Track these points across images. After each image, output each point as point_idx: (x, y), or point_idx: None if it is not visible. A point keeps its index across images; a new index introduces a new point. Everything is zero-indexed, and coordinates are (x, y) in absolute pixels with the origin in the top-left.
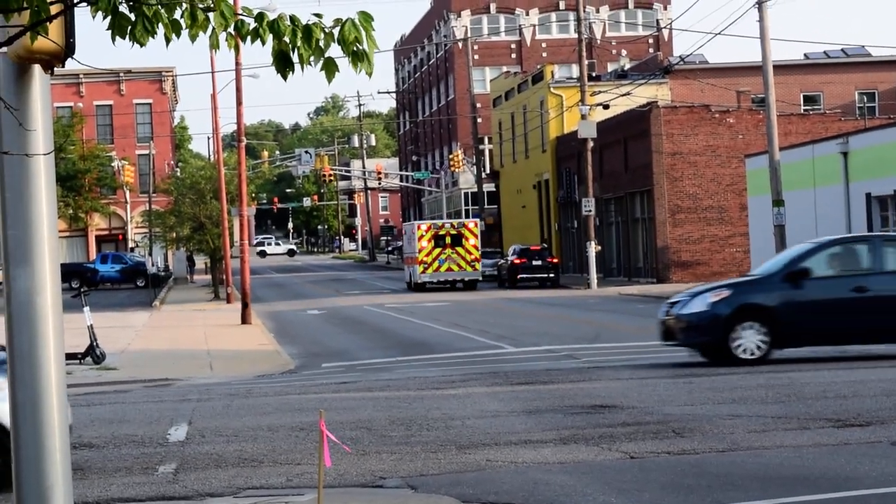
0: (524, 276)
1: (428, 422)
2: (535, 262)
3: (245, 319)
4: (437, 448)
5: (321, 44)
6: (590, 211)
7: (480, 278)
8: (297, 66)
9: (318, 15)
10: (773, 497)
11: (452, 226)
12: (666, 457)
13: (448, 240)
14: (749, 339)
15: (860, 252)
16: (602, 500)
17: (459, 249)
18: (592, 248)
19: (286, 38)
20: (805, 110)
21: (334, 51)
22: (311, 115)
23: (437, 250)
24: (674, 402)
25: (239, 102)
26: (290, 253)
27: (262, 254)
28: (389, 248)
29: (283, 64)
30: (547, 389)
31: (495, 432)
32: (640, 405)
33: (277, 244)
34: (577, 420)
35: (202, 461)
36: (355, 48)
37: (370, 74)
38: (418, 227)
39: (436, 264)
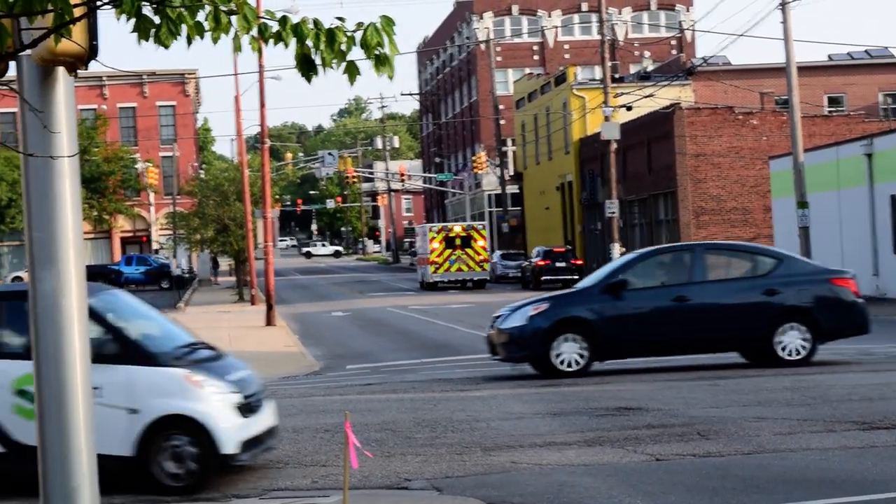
0: (548, 277)
1: (453, 424)
2: (558, 264)
3: (269, 321)
4: (462, 450)
5: (343, 47)
6: (613, 213)
7: (488, 278)
8: (320, 69)
9: (340, 18)
10: (799, 500)
11: (462, 228)
12: (691, 459)
13: (458, 241)
14: (569, 352)
15: (681, 261)
16: (627, 502)
17: (469, 251)
18: (616, 250)
19: (309, 42)
20: (829, 112)
21: (356, 53)
22: (334, 117)
23: (448, 251)
24: (699, 405)
25: (262, 104)
26: (336, 254)
27: (308, 255)
28: (413, 250)
29: (306, 67)
30: (571, 391)
31: (520, 434)
32: (665, 407)
33: (323, 245)
34: (601, 422)
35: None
36: (377, 52)
37: (391, 78)
38: (430, 230)
39: (447, 265)
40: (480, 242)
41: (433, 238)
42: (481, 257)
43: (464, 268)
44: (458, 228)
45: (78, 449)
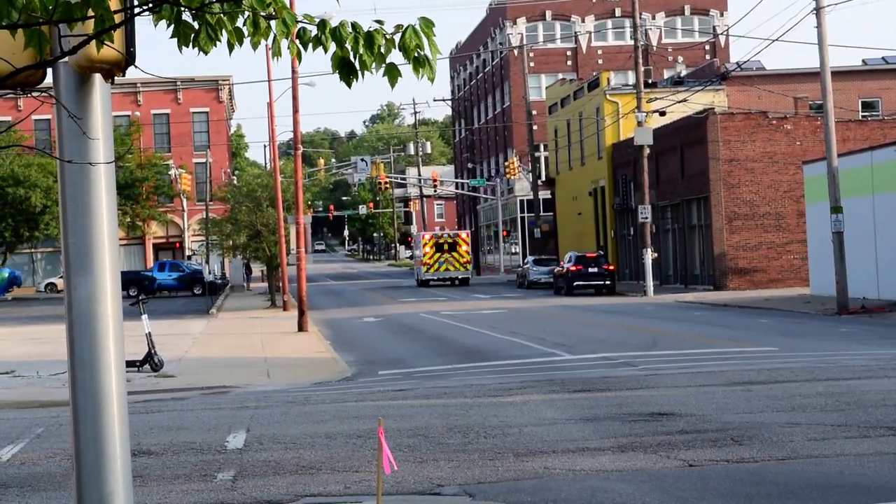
0: (580, 283)
1: (485, 429)
2: (591, 270)
3: (302, 327)
4: (495, 455)
5: (382, 50)
6: (646, 218)
7: (471, 276)
8: (359, 73)
9: (379, 21)
10: None
11: (449, 236)
12: (725, 465)
13: (446, 247)
14: None
15: None
16: None
17: (454, 254)
18: (649, 256)
19: (348, 46)
20: (863, 116)
21: (395, 57)
22: (366, 123)
23: (437, 254)
24: (732, 410)
25: (295, 110)
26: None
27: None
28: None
29: (346, 71)
30: (604, 397)
31: (553, 440)
32: (698, 413)
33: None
34: (635, 428)
35: (260, 468)
36: (417, 54)
37: (432, 80)
38: (423, 237)
39: (436, 265)
40: (464, 247)
41: (426, 244)
42: (465, 259)
43: (450, 268)
44: (446, 235)
45: (113, 455)
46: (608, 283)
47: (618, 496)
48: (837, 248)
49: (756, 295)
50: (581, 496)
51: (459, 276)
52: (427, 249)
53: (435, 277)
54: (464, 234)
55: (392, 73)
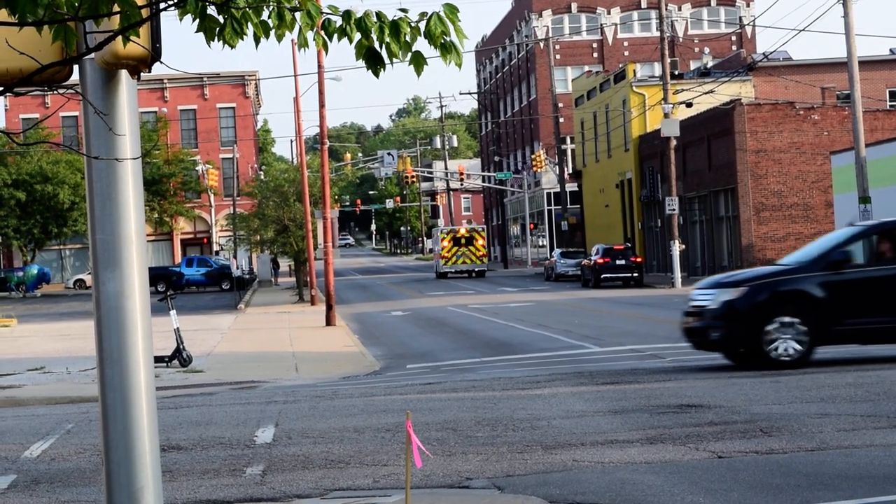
0: (608, 275)
1: (513, 422)
2: (618, 262)
3: (329, 321)
4: (524, 448)
5: (408, 38)
6: (673, 210)
7: (486, 269)
8: (386, 63)
9: (403, 10)
10: (864, 496)
11: (466, 230)
12: (754, 456)
13: (463, 241)
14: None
15: None
16: (690, 499)
17: (471, 248)
18: (676, 247)
19: (373, 35)
20: (891, 106)
21: (420, 44)
22: (392, 117)
23: (455, 248)
24: (761, 402)
25: (322, 105)
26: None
27: None
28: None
29: (373, 61)
30: (632, 389)
31: (581, 432)
32: (726, 404)
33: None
34: (663, 420)
35: (289, 463)
36: (443, 41)
37: (459, 65)
38: (441, 231)
39: (454, 258)
40: (480, 241)
41: (443, 238)
42: (481, 253)
43: (467, 261)
44: (462, 230)
45: (142, 451)
46: (636, 275)
47: (647, 488)
48: None
49: None
50: (610, 488)
51: (476, 269)
52: (445, 244)
53: (452, 270)
54: (479, 228)
55: (418, 62)
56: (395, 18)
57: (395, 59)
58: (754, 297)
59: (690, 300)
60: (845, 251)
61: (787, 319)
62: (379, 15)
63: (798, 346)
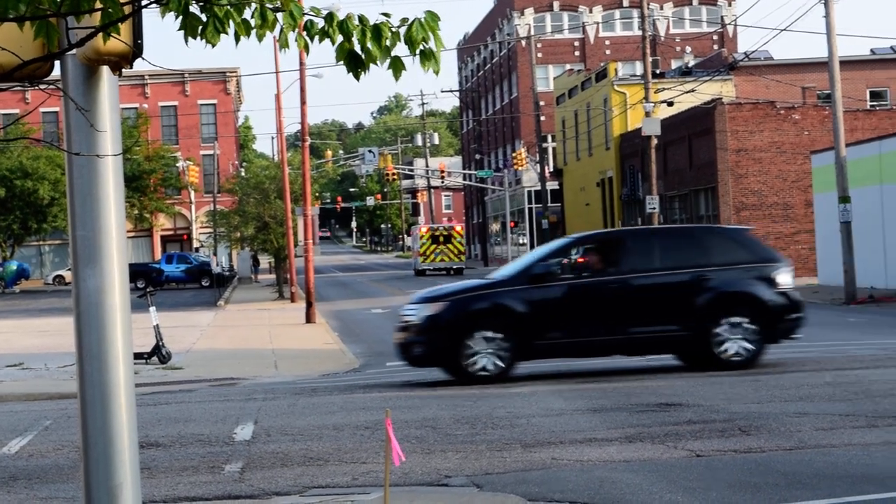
0: None
1: (493, 420)
2: None
3: (309, 318)
4: (503, 446)
5: (388, 43)
6: (654, 208)
7: (464, 267)
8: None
9: (386, 14)
10: (842, 496)
11: (444, 229)
12: (732, 455)
13: (441, 239)
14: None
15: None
16: (668, 498)
17: (449, 246)
18: None
19: (355, 38)
20: (871, 106)
21: (400, 49)
22: (374, 115)
23: (433, 246)
24: (740, 400)
25: (303, 102)
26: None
27: None
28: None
29: (354, 64)
30: (612, 387)
31: (560, 430)
32: (705, 403)
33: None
34: (642, 418)
35: (268, 460)
36: (422, 47)
37: (437, 73)
38: (419, 230)
39: (432, 256)
40: (458, 239)
41: (422, 236)
42: (458, 251)
43: (445, 259)
44: (441, 229)
45: (121, 447)
46: None
47: (625, 486)
48: (845, 238)
49: None
50: (589, 486)
51: (454, 267)
52: (424, 241)
53: (431, 267)
54: (458, 227)
55: (396, 67)
56: (377, 22)
57: (374, 64)
58: (455, 311)
59: (400, 315)
60: (547, 264)
61: (488, 334)
62: (361, 18)
63: (499, 362)
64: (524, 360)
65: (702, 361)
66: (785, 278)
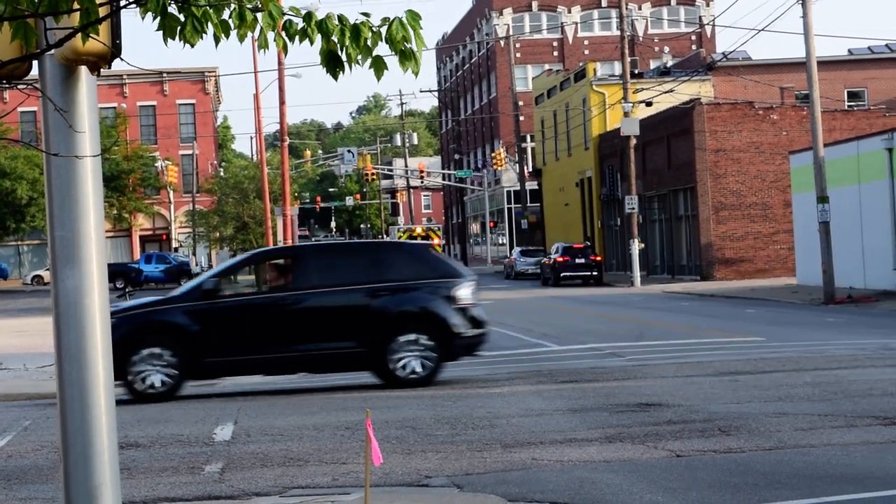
0: (567, 274)
1: (473, 420)
2: (578, 260)
3: None
4: (483, 447)
5: (369, 43)
6: (633, 208)
7: None
8: (346, 65)
9: (365, 14)
10: (821, 496)
11: (422, 229)
12: (712, 455)
13: (419, 239)
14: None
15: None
16: (648, 498)
17: None
18: (636, 246)
19: (334, 38)
20: (849, 106)
21: (381, 49)
22: (353, 115)
23: None
24: (719, 401)
25: (282, 102)
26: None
27: None
28: None
29: (332, 64)
30: (592, 388)
31: (541, 431)
32: (685, 403)
33: None
34: (622, 418)
35: (248, 460)
36: (403, 47)
37: (416, 73)
38: (398, 230)
39: None
40: (436, 240)
41: (400, 236)
42: None
43: None
44: (419, 229)
45: (101, 448)
46: (595, 273)
47: (605, 487)
48: (824, 238)
49: (743, 285)
50: (569, 487)
51: None
52: None
53: None
54: (436, 227)
55: (378, 66)
56: (357, 22)
57: (354, 64)
58: (124, 327)
59: None
60: (216, 280)
61: (156, 350)
62: (340, 18)
63: (167, 379)
64: (196, 378)
65: (384, 379)
66: (465, 294)
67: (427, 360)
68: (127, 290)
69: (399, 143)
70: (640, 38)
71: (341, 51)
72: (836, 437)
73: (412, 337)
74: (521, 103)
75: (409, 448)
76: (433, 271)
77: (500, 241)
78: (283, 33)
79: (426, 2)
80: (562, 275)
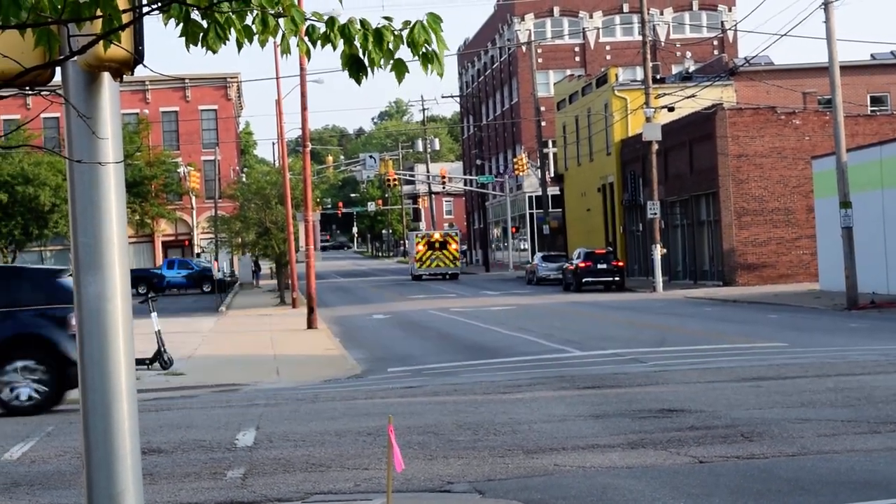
0: (589, 279)
1: (495, 426)
2: (600, 266)
3: (311, 324)
4: (505, 452)
5: (391, 46)
6: (655, 214)
7: (459, 272)
8: (369, 70)
9: (387, 18)
10: (845, 501)
11: (440, 235)
12: (735, 461)
13: (437, 245)
14: None
15: None
16: None
17: (445, 252)
18: (658, 251)
19: (357, 42)
20: (872, 111)
21: (403, 53)
22: (375, 120)
23: (429, 252)
24: (742, 406)
25: (304, 108)
26: None
27: None
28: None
29: (355, 68)
30: (614, 393)
31: (563, 437)
32: (708, 409)
33: None
34: (644, 424)
35: (270, 466)
36: (425, 50)
37: (441, 75)
38: (416, 236)
39: (428, 262)
40: (453, 245)
41: (418, 242)
42: (453, 256)
43: (440, 264)
44: (437, 235)
45: (123, 454)
46: (617, 279)
47: (628, 493)
48: (847, 244)
49: (765, 290)
50: (591, 493)
51: (449, 272)
52: (419, 248)
53: (427, 272)
54: (453, 233)
55: (400, 69)
56: (379, 26)
57: (377, 67)
58: None
59: None
60: None
61: None
62: (363, 22)
63: None
64: None
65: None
66: None
67: (42, 387)
68: (149, 295)
69: (421, 148)
70: (662, 43)
71: (364, 55)
72: (860, 444)
73: (26, 364)
74: (542, 108)
75: (431, 454)
76: (51, 297)
77: (522, 247)
78: (306, 38)
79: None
80: (584, 280)
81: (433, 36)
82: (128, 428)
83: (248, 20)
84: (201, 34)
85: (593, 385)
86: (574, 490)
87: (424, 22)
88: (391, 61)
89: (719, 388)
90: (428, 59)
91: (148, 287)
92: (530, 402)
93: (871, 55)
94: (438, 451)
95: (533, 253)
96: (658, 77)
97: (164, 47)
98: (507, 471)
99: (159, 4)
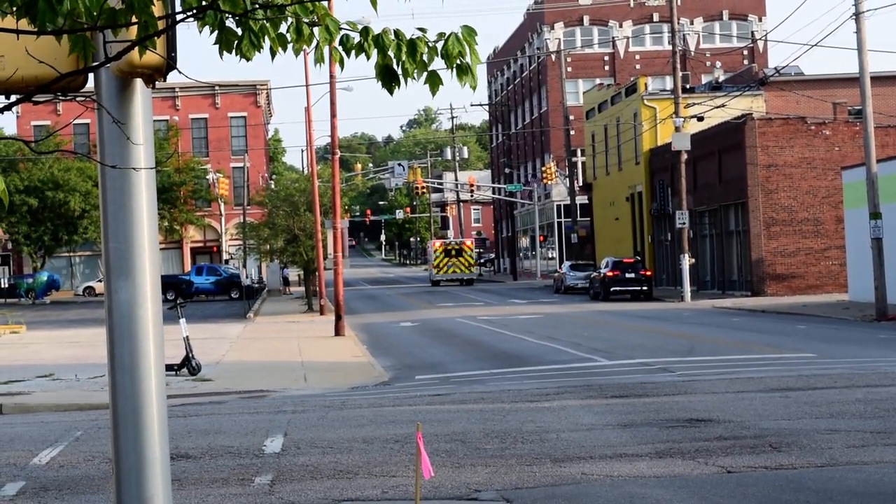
0: (617, 288)
1: (522, 434)
2: (628, 275)
3: (338, 331)
4: (532, 461)
5: (425, 58)
6: (683, 223)
7: (475, 278)
8: (401, 80)
9: (422, 29)
10: None
11: (456, 243)
12: (763, 471)
13: (453, 252)
14: None
15: None
16: None
17: (461, 259)
18: (686, 261)
19: (391, 53)
20: None
21: (436, 64)
22: (403, 128)
23: (446, 259)
24: (770, 417)
25: (333, 115)
26: None
27: None
28: (482, 261)
29: (388, 79)
30: (642, 403)
31: (590, 445)
32: (736, 419)
33: None
34: (672, 434)
35: (298, 473)
36: (459, 62)
37: (474, 88)
38: (433, 244)
39: (445, 268)
40: (469, 253)
41: (436, 250)
42: (469, 263)
43: (457, 270)
44: (453, 243)
45: (153, 459)
46: (645, 288)
47: (655, 502)
48: (876, 254)
49: (794, 301)
50: (618, 502)
51: (465, 278)
52: (437, 255)
53: (444, 278)
54: (468, 241)
55: (434, 81)
56: (413, 37)
57: (410, 78)
58: None
59: None
60: None
61: None
62: (397, 33)
63: None
64: None
65: None
66: None
67: None
68: (178, 301)
69: (449, 156)
70: (692, 53)
71: (397, 65)
72: (889, 455)
73: None
74: (571, 117)
75: (459, 461)
76: None
77: (550, 255)
78: (340, 48)
79: (477, 16)
80: (611, 289)
81: (467, 48)
82: (157, 433)
83: (283, 28)
84: (235, 42)
85: (621, 394)
86: (601, 499)
87: (459, 34)
88: (424, 73)
89: (747, 399)
90: (462, 71)
91: (176, 293)
92: (558, 410)
93: None
94: (466, 458)
95: (561, 262)
96: (687, 87)
97: (193, 54)
98: (535, 479)
99: (194, 11)
